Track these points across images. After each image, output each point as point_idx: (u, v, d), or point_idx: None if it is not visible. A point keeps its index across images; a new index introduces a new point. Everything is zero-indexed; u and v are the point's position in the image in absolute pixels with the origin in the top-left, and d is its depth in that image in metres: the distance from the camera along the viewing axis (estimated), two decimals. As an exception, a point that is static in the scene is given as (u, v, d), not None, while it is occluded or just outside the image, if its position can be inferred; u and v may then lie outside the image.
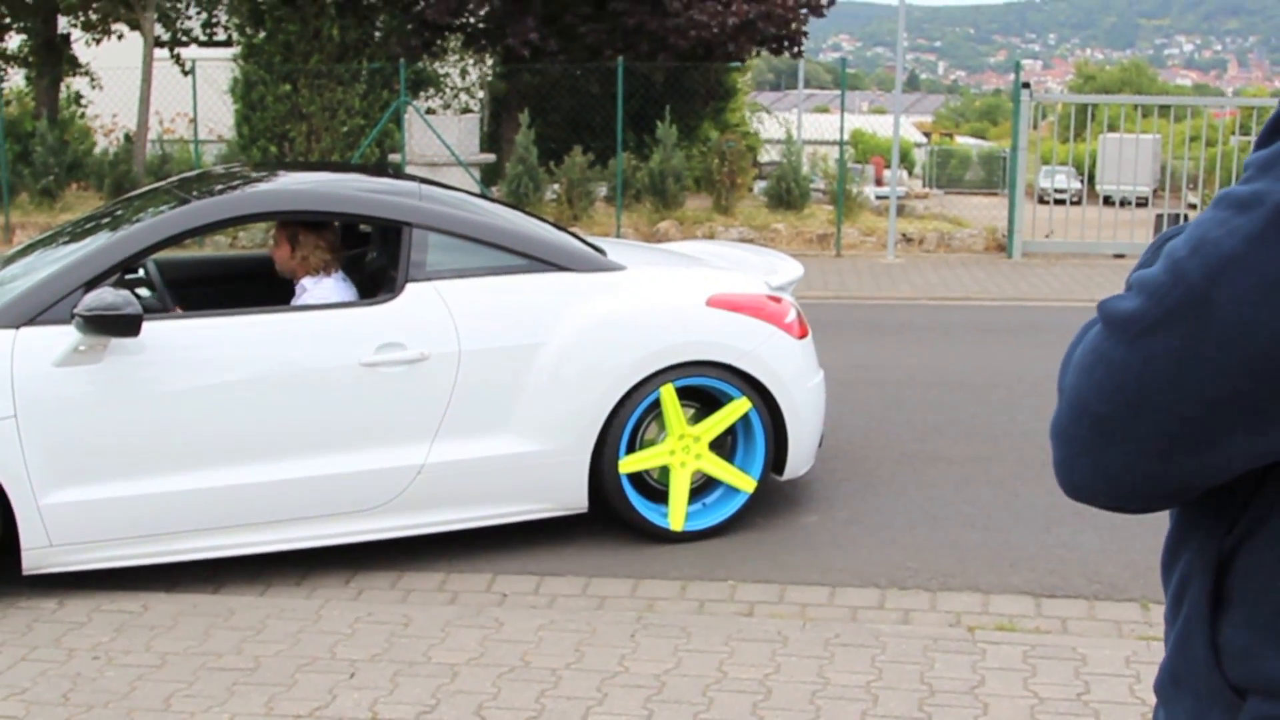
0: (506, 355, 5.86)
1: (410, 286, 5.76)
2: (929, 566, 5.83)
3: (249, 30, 19.74)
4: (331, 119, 19.05)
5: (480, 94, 22.66)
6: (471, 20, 20.11)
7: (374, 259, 6.69)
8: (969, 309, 13.24)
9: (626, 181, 17.50)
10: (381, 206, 5.99)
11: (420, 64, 20.28)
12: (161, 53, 21.10)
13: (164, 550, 5.50)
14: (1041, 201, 19.93)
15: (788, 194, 17.92)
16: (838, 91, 20.23)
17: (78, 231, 6.16)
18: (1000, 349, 11.12)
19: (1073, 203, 19.43)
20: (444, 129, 17.44)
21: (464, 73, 22.61)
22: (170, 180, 6.88)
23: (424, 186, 6.43)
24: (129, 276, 5.94)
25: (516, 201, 17.28)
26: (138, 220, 5.84)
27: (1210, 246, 1.17)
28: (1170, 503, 1.30)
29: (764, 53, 22.63)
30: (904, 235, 17.10)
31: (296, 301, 6.04)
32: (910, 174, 47.13)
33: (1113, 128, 19.92)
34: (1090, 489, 1.30)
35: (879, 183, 35.79)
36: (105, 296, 5.20)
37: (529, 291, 5.98)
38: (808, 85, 45.40)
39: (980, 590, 5.54)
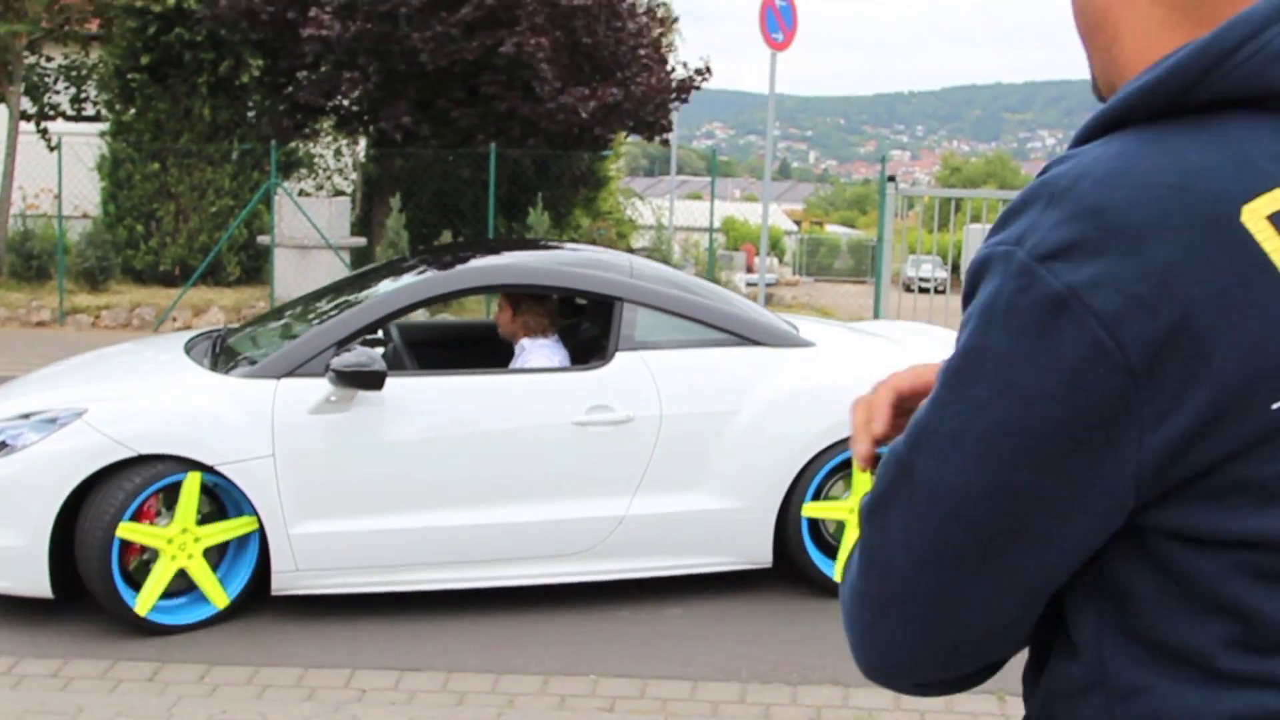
0: (703, 420, 6.50)
1: (619, 355, 6.49)
2: (790, 660, 5.86)
3: (118, 107, 19.53)
4: (200, 199, 18.88)
5: (353, 176, 22.60)
6: (345, 102, 20.07)
7: (588, 328, 7.36)
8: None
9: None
10: (596, 282, 6.68)
11: (292, 145, 20.21)
12: (27, 126, 20.77)
13: (393, 580, 6.24)
14: (908, 290, 20.31)
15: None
16: (709, 178, 20.52)
17: (328, 297, 7.15)
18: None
19: (938, 291, 19.82)
20: (314, 211, 17.37)
21: (337, 154, 22.56)
22: (410, 256, 7.78)
23: (634, 262, 7.12)
24: (371, 337, 6.87)
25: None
26: (382, 289, 6.72)
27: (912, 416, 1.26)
28: (979, 662, 1.32)
29: (637, 139, 22.87)
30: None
31: (515, 361, 6.77)
32: (781, 261, 47.81)
33: (977, 219, 20.42)
34: (884, 668, 1.34)
35: (750, 270, 36.27)
36: (356, 355, 6.04)
37: (725, 363, 6.64)
38: (681, 172, 45.83)
39: (840, 684, 5.58)
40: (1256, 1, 1.20)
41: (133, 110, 19.36)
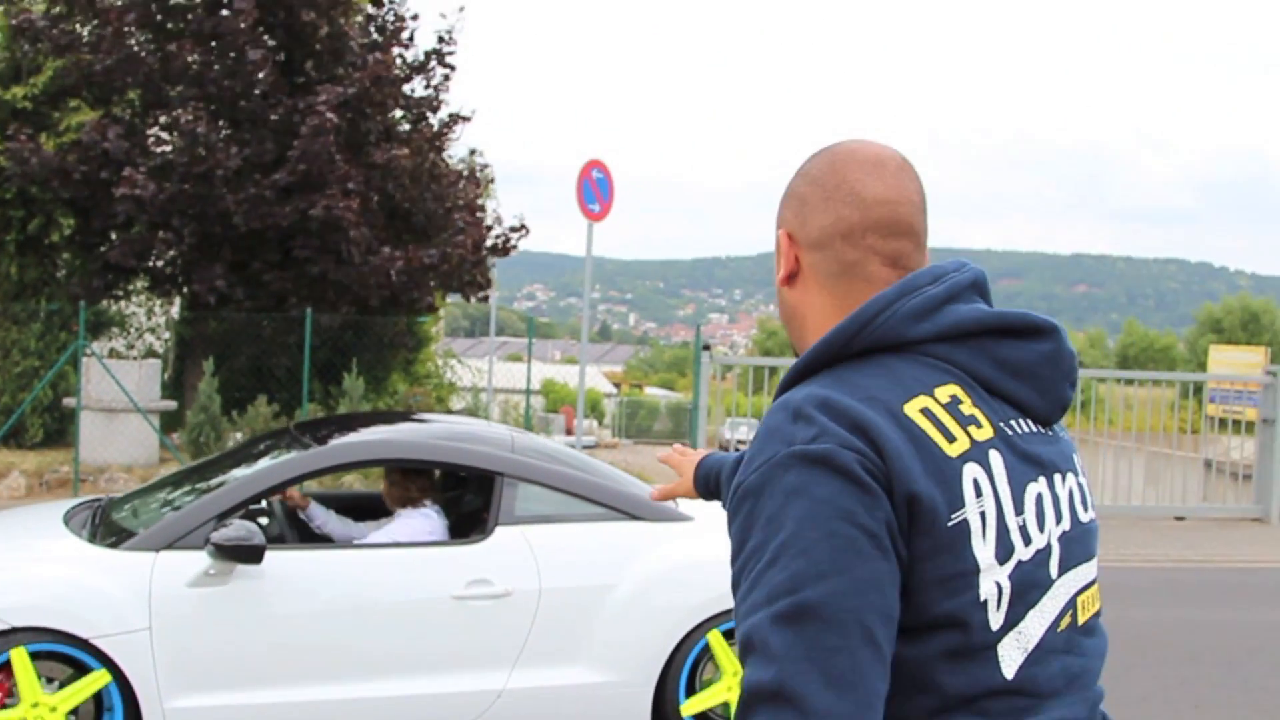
0: (582, 594, 6.58)
1: (499, 529, 6.60)
2: None
3: (-79, 263, 19.01)
4: (4, 358, 18.36)
5: (166, 336, 22.22)
6: (159, 263, 19.81)
7: (470, 500, 7.45)
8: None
9: (312, 432, 17.30)
10: (475, 457, 6.79)
11: (104, 304, 19.83)
12: None
13: None
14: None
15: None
16: (528, 340, 20.65)
17: (209, 469, 7.19)
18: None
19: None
20: (123, 374, 17.00)
21: (149, 313, 22.18)
22: (293, 426, 7.82)
23: (516, 436, 7.23)
24: (256, 509, 6.99)
25: (198, 451, 16.88)
26: (264, 462, 6.77)
27: None
28: None
29: (457, 299, 22.97)
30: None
31: (390, 525, 6.86)
32: (600, 424, 48.06)
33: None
34: None
35: (569, 432, 36.36)
36: (236, 529, 6.02)
37: (604, 537, 6.76)
38: (502, 333, 46.04)
39: None
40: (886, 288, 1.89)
41: (-63, 268, 18.85)
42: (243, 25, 18.38)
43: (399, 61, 20.45)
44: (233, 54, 18.76)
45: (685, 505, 7.18)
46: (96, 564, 6.17)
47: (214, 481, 6.78)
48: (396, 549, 6.60)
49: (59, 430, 18.50)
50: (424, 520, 6.85)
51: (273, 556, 6.17)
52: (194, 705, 6.02)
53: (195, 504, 6.38)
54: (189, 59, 18.26)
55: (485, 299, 22.41)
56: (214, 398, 17.17)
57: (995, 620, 1.74)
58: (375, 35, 20.46)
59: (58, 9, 19.04)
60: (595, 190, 17.11)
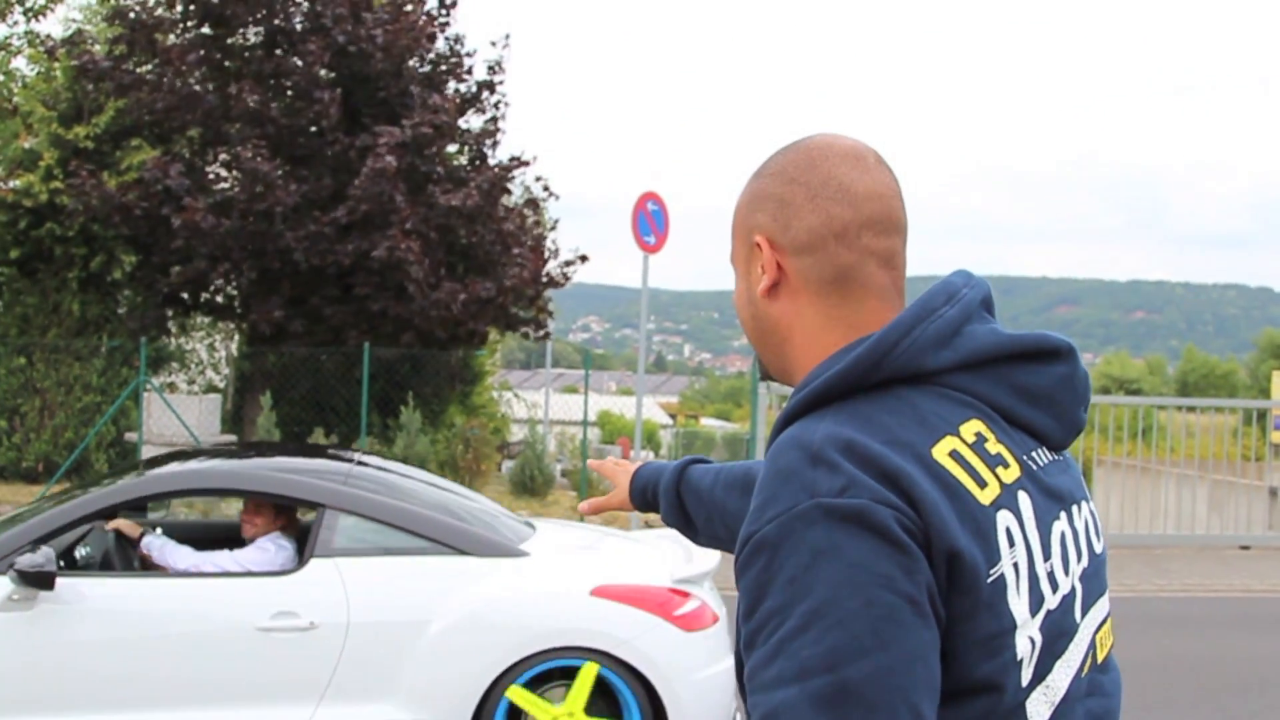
0: (393, 629, 6.37)
1: (314, 561, 6.42)
2: None
3: (-15, 301, 19.33)
4: (67, 394, 18.59)
5: (225, 371, 22.44)
6: (217, 298, 20.05)
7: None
8: (731, 598, 13.38)
9: (371, 465, 17.40)
10: (300, 488, 6.68)
11: (164, 340, 20.05)
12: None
13: None
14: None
15: (531, 480, 18.06)
16: (584, 371, 20.69)
17: (59, 498, 6.94)
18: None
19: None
20: (184, 409, 17.17)
21: (211, 349, 22.42)
22: (146, 459, 7.79)
23: (355, 469, 7.09)
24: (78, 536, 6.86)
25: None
26: (92, 491, 6.65)
27: None
28: None
29: (511, 334, 23.08)
30: (646, 523, 17.32)
31: (234, 554, 6.76)
32: (656, 455, 47.99)
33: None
34: None
35: (625, 463, 36.23)
36: (38, 555, 6.01)
37: (422, 572, 6.52)
38: (557, 365, 46.23)
39: None
40: (902, 311, 1.73)
41: (-1, 304, 19.16)
42: (306, 64, 18.59)
43: (454, 95, 20.61)
44: (290, 91, 18.97)
45: (537, 539, 7.10)
46: None
47: (47, 509, 6.65)
48: (202, 579, 6.53)
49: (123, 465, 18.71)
50: (264, 551, 6.78)
51: (70, 584, 6.15)
52: None
53: (16, 529, 6.33)
54: (248, 98, 18.47)
55: (546, 336, 22.48)
56: (273, 431, 17.34)
57: (1025, 677, 1.62)
58: (430, 68, 20.61)
59: (119, 50, 19.33)
60: (650, 222, 17.12)
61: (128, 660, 6.20)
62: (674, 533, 7.48)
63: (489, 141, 21.29)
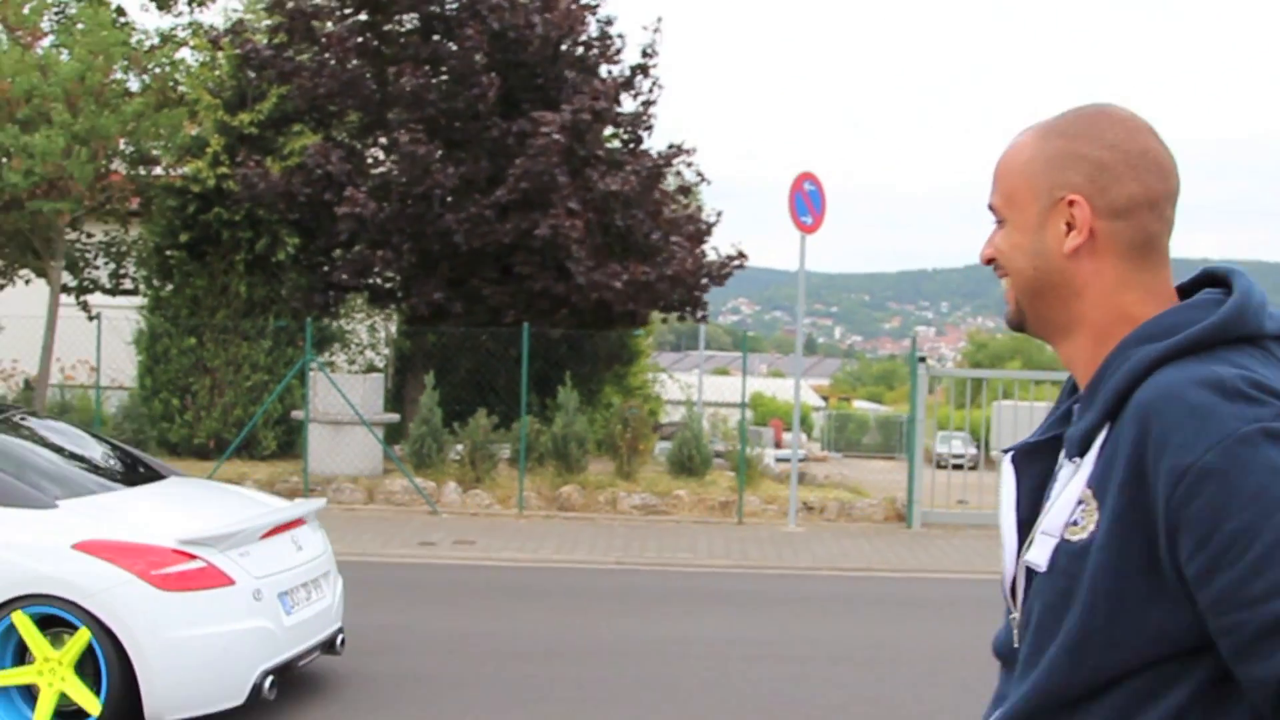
0: None
1: None
2: None
3: (156, 283, 19.83)
4: (235, 374, 19.05)
5: (385, 351, 22.80)
6: (378, 280, 20.37)
7: None
8: (870, 580, 13.30)
9: (530, 445, 17.55)
10: None
11: (326, 321, 20.43)
12: (66, 299, 21.07)
13: None
14: (939, 466, 20.23)
15: (689, 461, 18.06)
16: (737, 354, 20.69)
17: None
18: (903, 623, 11.14)
19: (969, 467, 19.75)
20: (348, 388, 17.49)
21: (371, 330, 22.79)
22: None
23: None
24: None
25: (420, 462, 17.31)
26: None
27: None
28: None
29: (663, 316, 23.10)
30: (805, 504, 17.24)
31: None
32: (809, 437, 47.77)
33: (1008, 395, 20.43)
34: None
35: (778, 445, 36.21)
36: None
37: None
38: (707, 347, 46.17)
39: None
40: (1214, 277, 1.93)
41: (170, 286, 19.65)
42: (464, 49, 18.77)
43: (608, 79, 20.65)
44: (445, 75, 19.17)
45: (89, 497, 7.55)
46: None
47: None
48: None
49: (289, 442, 19.12)
50: None
51: None
52: None
53: None
54: (406, 82, 18.70)
55: (703, 319, 22.47)
56: (435, 410, 17.58)
57: None
58: (583, 51, 20.67)
59: (280, 38, 19.71)
60: (808, 202, 17.02)
61: None
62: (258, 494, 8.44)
63: (643, 125, 21.30)
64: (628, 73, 21.15)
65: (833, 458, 41.12)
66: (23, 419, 8.66)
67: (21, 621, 6.85)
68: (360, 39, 19.64)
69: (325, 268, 20.13)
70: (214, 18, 20.58)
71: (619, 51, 21.04)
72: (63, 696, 6.88)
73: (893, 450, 48.06)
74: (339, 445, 17.59)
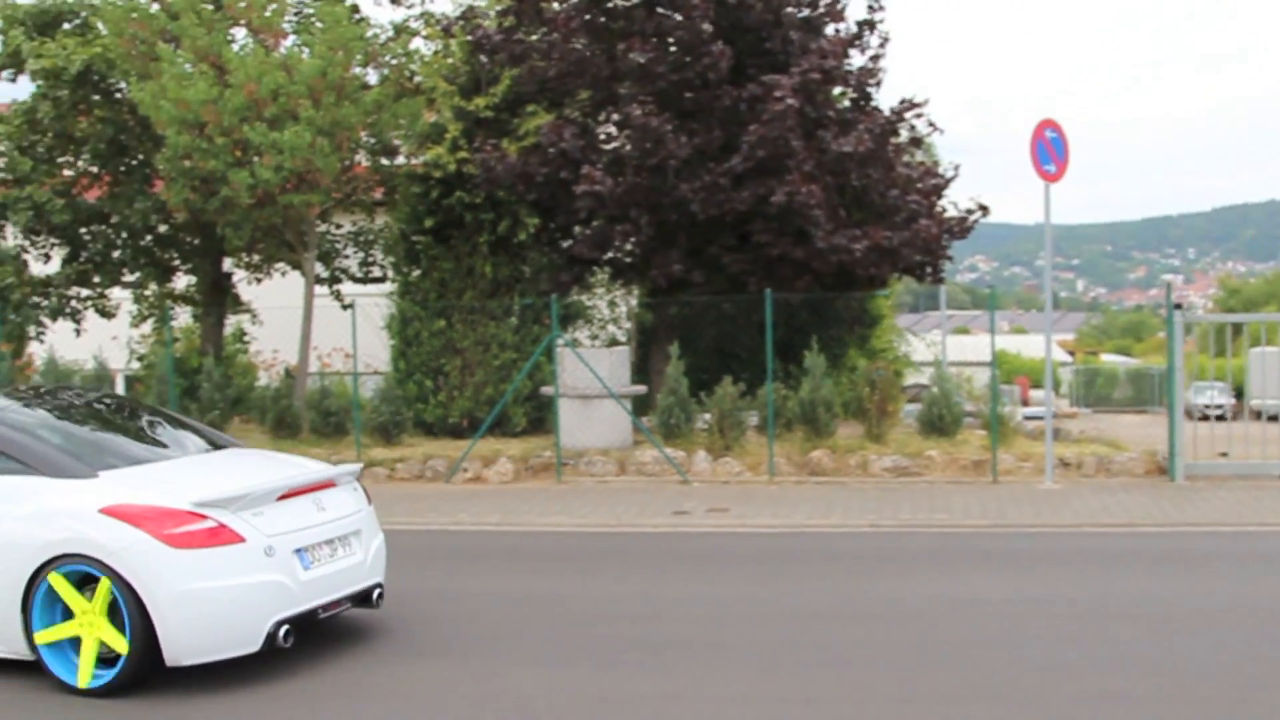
0: None
1: None
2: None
3: (404, 268, 20.37)
4: (485, 353, 19.46)
5: (627, 325, 23.00)
6: (619, 254, 20.54)
7: None
8: (1135, 536, 12.89)
9: (777, 411, 17.51)
10: None
11: (569, 299, 20.69)
12: (320, 289, 21.84)
13: None
14: (1192, 417, 19.54)
15: (940, 420, 17.78)
16: (976, 312, 20.45)
17: None
18: (1172, 578, 10.78)
19: (1223, 418, 19.01)
20: (595, 362, 17.70)
21: (612, 305, 23.01)
22: None
23: (28, 404, 9.07)
24: None
25: (668, 433, 17.44)
26: None
27: None
28: None
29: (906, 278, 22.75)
30: (1061, 460, 16.82)
31: None
32: (1058, 393, 46.64)
33: (1268, 340, 19.58)
34: None
35: (1025, 403, 35.45)
36: None
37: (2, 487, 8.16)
38: (947, 306, 45.42)
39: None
40: None
41: (418, 271, 20.16)
42: (691, 19, 18.77)
43: (835, 35, 20.38)
44: (672, 45, 19.17)
45: (132, 468, 8.41)
46: None
47: None
48: None
49: (539, 418, 19.47)
50: None
51: None
52: None
53: None
54: (635, 57, 18.79)
55: (940, 280, 22.08)
56: (681, 381, 17.66)
57: None
58: (808, 12, 20.44)
59: (509, 21, 20.00)
60: (1050, 150, 16.56)
61: None
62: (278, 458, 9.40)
63: (872, 81, 20.99)
64: (854, 29, 20.85)
65: (1083, 413, 40.08)
66: (103, 399, 9.97)
67: (57, 580, 7.81)
68: (586, 16, 19.79)
69: (566, 244, 20.39)
70: (444, 6, 21.05)
71: (844, 8, 20.76)
72: (103, 644, 7.83)
73: (1145, 404, 46.58)
74: (588, 419, 17.82)
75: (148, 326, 24.01)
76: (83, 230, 22.34)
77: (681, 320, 20.53)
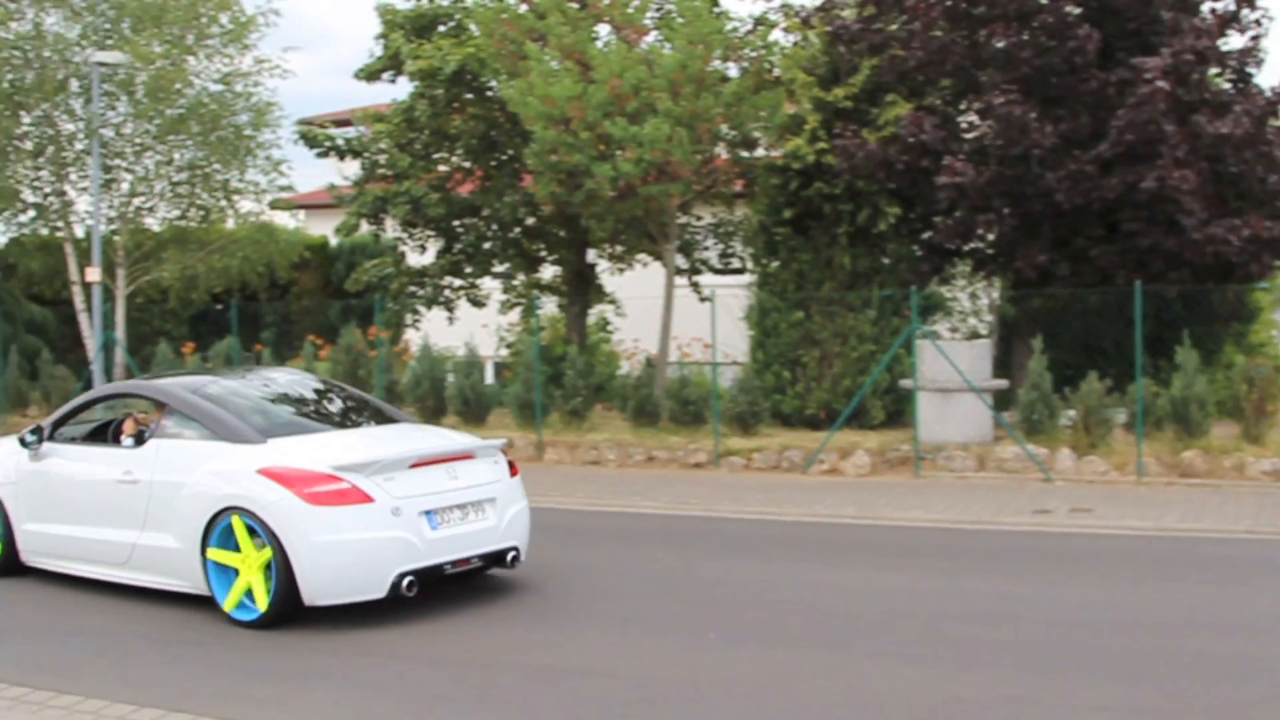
0: (170, 487, 10.02)
1: (151, 440, 10.46)
2: None
3: (763, 260, 20.52)
4: (843, 345, 19.43)
5: (988, 318, 22.56)
6: (980, 245, 20.15)
7: None
8: None
9: (1146, 408, 16.86)
10: (154, 391, 11.04)
11: (929, 290, 20.43)
12: (680, 280, 22.25)
13: (62, 565, 11.06)
14: None
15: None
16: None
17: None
18: None
19: None
20: (955, 355, 17.44)
21: (973, 297, 22.61)
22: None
23: (213, 381, 10.94)
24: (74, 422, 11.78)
25: (1030, 429, 17.04)
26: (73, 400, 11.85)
27: None
28: None
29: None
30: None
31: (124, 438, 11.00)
32: None
33: None
34: None
35: None
36: (30, 433, 11.32)
37: (189, 450, 10.13)
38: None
39: None
40: None
41: (776, 262, 20.29)
42: (1055, 3, 18.24)
43: (1211, 15, 19.40)
44: (1038, 28, 18.64)
45: (295, 436, 10.13)
46: (5, 448, 11.65)
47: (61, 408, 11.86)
48: (105, 449, 10.95)
49: (897, 411, 19.32)
50: (130, 436, 10.93)
51: (72, 449, 11.18)
52: (29, 529, 11.26)
53: (49, 419, 11.49)
54: (997, 43, 18.38)
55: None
56: (1045, 375, 17.22)
57: None
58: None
59: (868, 11, 19.84)
60: None
61: (66, 494, 10.93)
62: (433, 430, 11.73)
63: (1251, 61, 19.88)
64: (1232, 7, 19.78)
65: None
66: (295, 379, 11.84)
67: (236, 522, 9.51)
68: (948, 3, 19.44)
69: (925, 235, 20.13)
70: (802, -2, 21.02)
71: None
72: (248, 591, 9.46)
73: None
74: (948, 413, 17.57)
75: (515, 315, 24.98)
76: (456, 223, 23.42)
77: (1045, 313, 19.98)
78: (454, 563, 9.72)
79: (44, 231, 27.66)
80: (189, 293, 27.02)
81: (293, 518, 9.24)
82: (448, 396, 21.46)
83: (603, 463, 19.00)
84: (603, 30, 20.61)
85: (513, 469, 10.63)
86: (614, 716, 7.28)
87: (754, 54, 20.38)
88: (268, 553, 9.31)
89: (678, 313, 21.16)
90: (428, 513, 9.55)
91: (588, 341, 23.77)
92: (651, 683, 7.86)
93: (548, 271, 24.69)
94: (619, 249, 23.44)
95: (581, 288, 23.87)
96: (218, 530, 9.57)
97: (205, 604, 9.78)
